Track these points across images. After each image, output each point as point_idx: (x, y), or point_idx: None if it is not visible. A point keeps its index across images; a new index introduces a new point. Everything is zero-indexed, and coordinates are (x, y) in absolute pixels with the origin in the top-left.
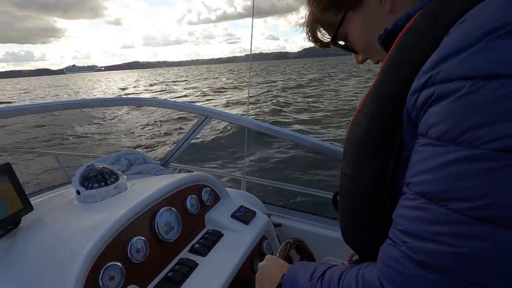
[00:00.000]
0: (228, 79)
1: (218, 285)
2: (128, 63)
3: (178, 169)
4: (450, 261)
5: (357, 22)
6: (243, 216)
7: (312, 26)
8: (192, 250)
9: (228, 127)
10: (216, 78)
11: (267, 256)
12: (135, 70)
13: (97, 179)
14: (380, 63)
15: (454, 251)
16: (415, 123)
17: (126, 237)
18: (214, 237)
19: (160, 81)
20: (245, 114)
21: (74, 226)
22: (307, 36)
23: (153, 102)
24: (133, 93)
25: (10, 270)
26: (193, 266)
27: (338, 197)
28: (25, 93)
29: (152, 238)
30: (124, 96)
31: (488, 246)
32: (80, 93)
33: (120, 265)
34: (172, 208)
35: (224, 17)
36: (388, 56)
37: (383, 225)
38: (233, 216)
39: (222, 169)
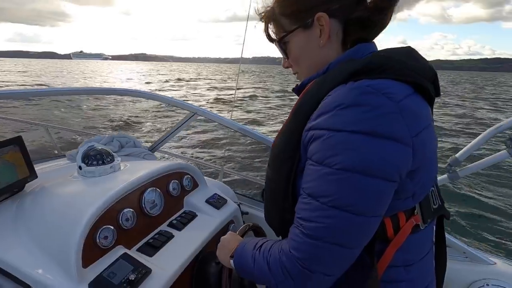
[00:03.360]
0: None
1: (188, 254)
2: (135, 54)
3: (165, 156)
4: (322, 232)
5: (300, 39)
6: (216, 202)
7: (268, 19)
8: (170, 225)
9: (213, 126)
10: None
11: (228, 232)
12: (143, 62)
13: (96, 158)
14: (296, 74)
15: (323, 226)
16: (306, 149)
17: (119, 207)
18: (190, 216)
19: (176, 77)
20: (229, 116)
21: (77, 194)
22: (261, 20)
23: (148, 95)
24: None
25: (22, 225)
26: (170, 237)
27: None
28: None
29: (139, 211)
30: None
31: (339, 221)
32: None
33: (113, 228)
34: (157, 189)
35: (234, 18)
36: (297, 103)
37: (289, 210)
38: (207, 201)
39: (203, 160)
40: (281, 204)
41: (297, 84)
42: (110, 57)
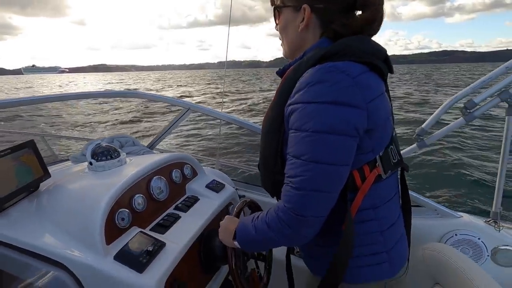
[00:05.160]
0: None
1: (195, 230)
2: (94, 65)
3: (163, 152)
4: (306, 183)
5: (288, 16)
6: (215, 187)
7: None
8: (176, 208)
9: (206, 119)
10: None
11: (226, 216)
12: (102, 73)
13: (104, 154)
14: (281, 46)
15: (306, 178)
16: (288, 121)
17: (131, 193)
18: (193, 200)
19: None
20: (219, 108)
21: (93, 184)
22: None
23: (141, 95)
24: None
25: (45, 215)
26: (177, 217)
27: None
28: None
29: (149, 197)
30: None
31: (317, 172)
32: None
33: (128, 211)
34: (161, 177)
35: (196, 24)
36: (280, 85)
37: (279, 172)
38: (207, 186)
39: (200, 154)
40: (272, 168)
41: (279, 68)
42: (67, 70)
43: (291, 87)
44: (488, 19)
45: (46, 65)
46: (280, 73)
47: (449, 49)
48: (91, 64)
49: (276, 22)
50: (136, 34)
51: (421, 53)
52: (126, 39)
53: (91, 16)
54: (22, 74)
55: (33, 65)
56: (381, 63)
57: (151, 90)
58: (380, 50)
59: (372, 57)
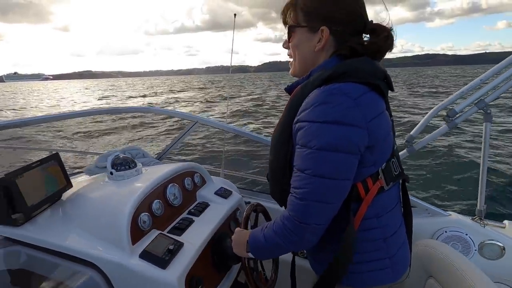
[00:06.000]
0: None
1: (208, 232)
2: (79, 72)
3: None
4: (308, 194)
5: (303, 36)
6: (223, 193)
7: (291, 5)
8: (190, 213)
9: (212, 131)
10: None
11: (236, 229)
12: (89, 79)
13: (123, 164)
14: (290, 63)
15: (308, 190)
16: (295, 137)
17: (150, 199)
18: (204, 205)
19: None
20: (224, 120)
21: (116, 191)
22: (283, 11)
23: (151, 110)
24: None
25: (71, 220)
26: (191, 221)
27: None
28: None
29: (165, 202)
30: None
31: (318, 185)
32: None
33: (148, 215)
34: (175, 184)
35: (182, 30)
36: (289, 101)
37: (287, 182)
38: (216, 193)
39: (206, 162)
40: (281, 179)
41: (288, 85)
42: (51, 77)
43: (299, 105)
44: (466, 23)
45: (29, 72)
46: (288, 90)
47: (431, 52)
48: (76, 70)
49: (288, 40)
50: (122, 40)
51: (405, 57)
52: (112, 45)
53: (75, 22)
54: (4, 82)
55: (15, 73)
56: (381, 82)
57: (145, 96)
58: (380, 70)
59: (372, 78)
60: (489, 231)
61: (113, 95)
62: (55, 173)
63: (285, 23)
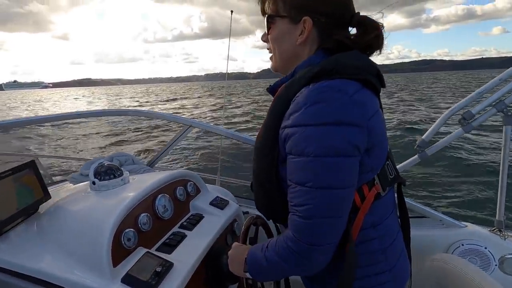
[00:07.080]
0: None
1: (201, 249)
2: (78, 80)
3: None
4: (313, 211)
5: (284, 27)
6: (219, 203)
7: None
8: (182, 226)
9: (206, 136)
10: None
11: (233, 244)
12: (88, 87)
13: (107, 173)
14: (270, 58)
15: (313, 206)
16: (284, 145)
17: (137, 212)
18: (198, 218)
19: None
20: (220, 124)
21: (97, 204)
22: None
23: (142, 113)
24: None
25: (47, 237)
26: (183, 236)
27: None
28: None
29: (154, 215)
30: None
31: (323, 199)
32: None
33: (134, 231)
34: (166, 195)
35: (181, 37)
36: (272, 104)
37: (273, 189)
38: (211, 203)
39: (201, 169)
40: (267, 185)
41: (270, 85)
42: (51, 85)
43: (284, 107)
44: (462, 29)
45: (29, 80)
46: (271, 90)
47: (428, 58)
48: (76, 78)
49: (267, 32)
50: (121, 48)
51: (403, 63)
52: (111, 53)
53: (75, 31)
54: (3, 90)
55: (15, 81)
56: (374, 78)
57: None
58: (372, 65)
59: (365, 73)
60: (510, 243)
61: (146, 101)
62: (30, 183)
63: (263, 13)
